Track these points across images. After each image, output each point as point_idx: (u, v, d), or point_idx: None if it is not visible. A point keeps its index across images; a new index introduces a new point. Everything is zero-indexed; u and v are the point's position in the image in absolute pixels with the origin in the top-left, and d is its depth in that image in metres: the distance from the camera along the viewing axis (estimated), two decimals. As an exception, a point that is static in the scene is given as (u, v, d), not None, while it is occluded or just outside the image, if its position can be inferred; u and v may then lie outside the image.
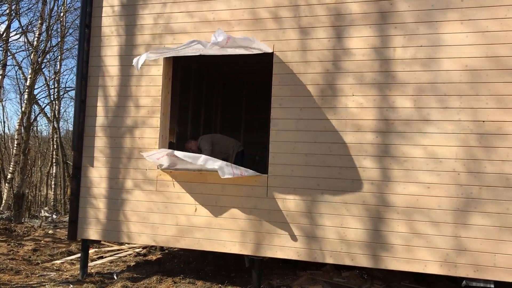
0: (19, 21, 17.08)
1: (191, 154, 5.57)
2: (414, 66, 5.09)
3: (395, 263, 5.06)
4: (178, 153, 5.54)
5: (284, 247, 5.45)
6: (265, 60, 5.97)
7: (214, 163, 5.32)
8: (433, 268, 4.93)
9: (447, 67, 4.98)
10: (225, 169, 5.26)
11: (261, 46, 5.43)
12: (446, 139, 4.94)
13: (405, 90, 5.10)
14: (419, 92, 5.06)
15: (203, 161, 5.38)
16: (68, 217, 6.59)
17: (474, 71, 4.90)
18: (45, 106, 19.30)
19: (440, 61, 5.00)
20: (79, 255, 7.43)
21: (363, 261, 5.17)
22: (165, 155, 5.63)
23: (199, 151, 7.71)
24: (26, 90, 14.89)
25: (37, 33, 15.13)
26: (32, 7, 18.71)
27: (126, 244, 8.78)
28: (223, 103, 11.09)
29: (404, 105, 5.10)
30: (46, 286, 5.91)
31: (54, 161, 20.12)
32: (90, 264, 7.14)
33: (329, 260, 5.31)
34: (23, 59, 23.86)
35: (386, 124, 5.15)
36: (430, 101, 5.01)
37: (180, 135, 8.92)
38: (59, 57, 18.62)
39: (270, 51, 5.58)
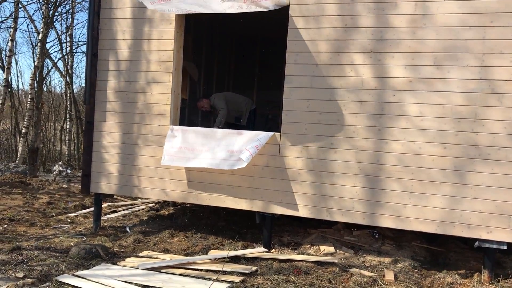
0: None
1: (206, 160, 5.59)
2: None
3: (408, 223, 5.04)
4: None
5: (295, 205, 5.44)
6: (281, 15, 5.76)
7: (227, 163, 5.49)
8: (445, 229, 4.91)
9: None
10: (244, 158, 5.24)
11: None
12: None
13: (424, 48, 4.92)
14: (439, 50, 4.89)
15: (220, 164, 5.53)
16: (81, 172, 6.63)
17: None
18: (58, 61, 19.25)
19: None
20: (92, 208, 7.55)
21: (374, 220, 5.16)
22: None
23: (211, 109, 7.62)
24: (38, 44, 14.77)
25: (48, -16, 14.86)
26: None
27: (139, 199, 8.89)
28: (236, 60, 10.88)
29: (423, 63, 4.93)
30: (61, 237, 6.03)
31: (67, 116, 20.23)
32: (103, 217, 7.26)
33: (340, 218, 5.31)
34: (34, 12, 23.67)
35: (404, 82, 5.00)
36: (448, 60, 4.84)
37: (191, 92, 8.81)
38: (71, 10, 18.37)
39: (286, 3, 5.38)
